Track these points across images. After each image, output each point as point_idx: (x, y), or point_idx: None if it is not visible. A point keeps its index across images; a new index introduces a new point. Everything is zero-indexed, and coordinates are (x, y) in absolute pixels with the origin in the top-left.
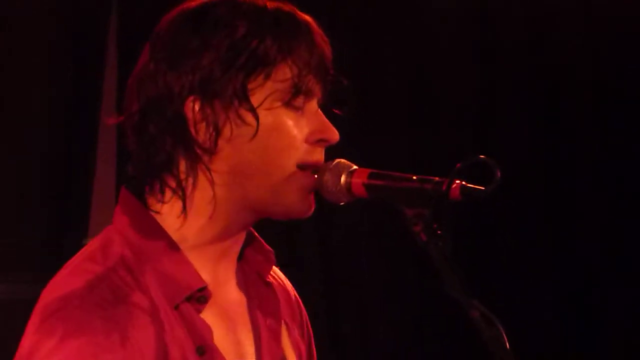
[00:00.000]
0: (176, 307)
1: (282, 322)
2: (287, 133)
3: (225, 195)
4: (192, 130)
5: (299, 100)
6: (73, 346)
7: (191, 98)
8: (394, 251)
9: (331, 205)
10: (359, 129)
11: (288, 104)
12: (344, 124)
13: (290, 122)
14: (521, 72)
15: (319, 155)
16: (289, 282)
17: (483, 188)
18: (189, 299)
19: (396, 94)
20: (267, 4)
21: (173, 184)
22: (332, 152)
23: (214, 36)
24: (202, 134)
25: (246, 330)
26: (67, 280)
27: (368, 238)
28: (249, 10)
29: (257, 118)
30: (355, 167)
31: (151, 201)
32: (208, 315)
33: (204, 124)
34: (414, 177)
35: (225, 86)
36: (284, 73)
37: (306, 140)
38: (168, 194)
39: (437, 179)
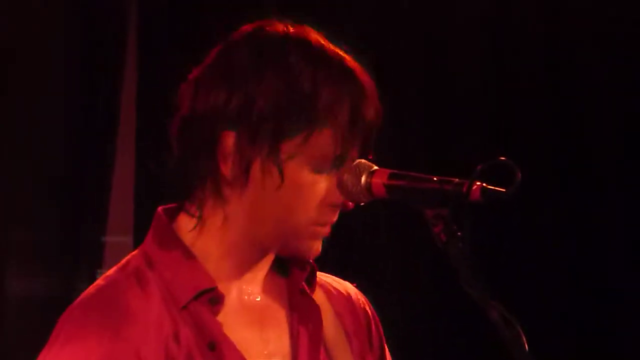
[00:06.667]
0: (184, 308)
1: (342, 331)
2: (307, 195)
3: (237, 229)
4: (220, 159)
5: (329, 167)
6: (69, 351)
7: (227, 130)
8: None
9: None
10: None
11: (316, 169)
12: None
13: (312, 185)
14: (541, 71)
15: (332, 215)
16: (358, 296)
17: (504, 190)
18: (197, 299)
19: (413, 95)
20: (336, 57)
21: (192, 205)
22: None
23: (273, 78)
24: (229, 167)
25: (279, 331)
26: (88, 289)
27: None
28: (314, 62)
29: (282, 175)
30: (375, 167)
31: (181, 216)
32: (225, 316)
33: (232, 158)
34: (435, 178)
35: (263, 134)
36: (324, 140)
37: (322, 201)
38: (191, 211)
39: (457, 180)
